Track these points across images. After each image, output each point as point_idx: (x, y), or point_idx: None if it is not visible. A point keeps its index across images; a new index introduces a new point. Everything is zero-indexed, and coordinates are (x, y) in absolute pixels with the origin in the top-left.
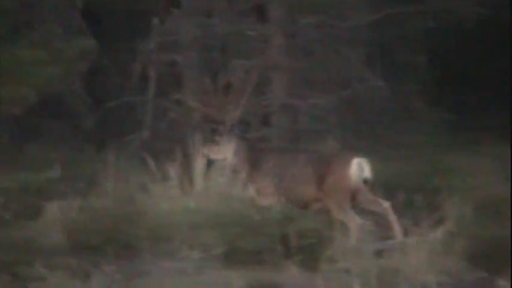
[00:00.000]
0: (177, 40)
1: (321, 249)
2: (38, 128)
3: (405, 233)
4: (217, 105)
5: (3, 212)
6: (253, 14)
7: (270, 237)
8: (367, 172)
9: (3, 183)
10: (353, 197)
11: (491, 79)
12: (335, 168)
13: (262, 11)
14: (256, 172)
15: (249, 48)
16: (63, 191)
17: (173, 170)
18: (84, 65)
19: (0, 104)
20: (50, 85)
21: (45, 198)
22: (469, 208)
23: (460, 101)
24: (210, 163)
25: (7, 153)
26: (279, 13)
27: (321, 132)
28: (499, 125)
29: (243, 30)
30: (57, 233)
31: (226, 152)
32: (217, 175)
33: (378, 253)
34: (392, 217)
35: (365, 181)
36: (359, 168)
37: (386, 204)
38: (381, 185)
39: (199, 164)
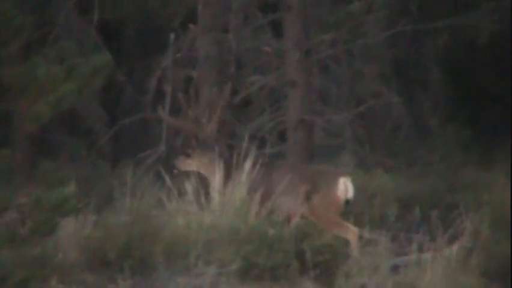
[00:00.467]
0: (193, 56)
1: (337, 264)
2: (53, 145)
3: (421, 249)
4: (191, 119)
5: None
6: (269, 30)
7: (285, 253)
8: (350, 193)
9: (19, 199)
10: None
11: (506, 95)
12: (321, 187)
13: (278, 27)
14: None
15: (264, 64)
16: (78, 207)
17: (189, 186)
18: (99, 82)
19: (15, 121)
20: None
21: (60, 215)
22: (485, 224)
23: (475, 117)
24: (226, 179)
25: (22, 170)
26: (295, 29)
27: (336, 148)
28: None
29: (259, 46)
30: (73, 249)
31: (198, 165)
32: (233, 191)
33: (394, 269)
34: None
35: (347, 202)
36: (345, 187)
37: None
38: (396, 200)
39: (215, 180)
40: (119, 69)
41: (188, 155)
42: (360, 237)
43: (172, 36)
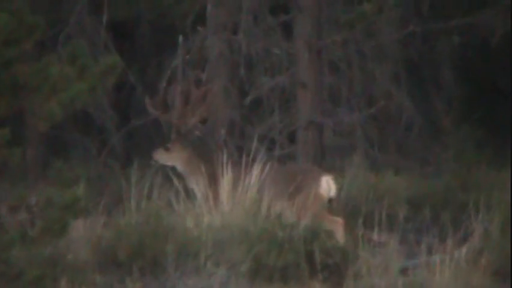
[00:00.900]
0: (203, 57)
1: (346, 266)
2: (64, 144)
3: (430, 251)
4: (176, 114)
5: (29, 228)
6: (279, 31)
7: (295, 254)
8: (333, 191)
9: (29, 199)
10: None
11: None
12: (304, 185)
13: (288, 27)
14: (215, 184)
15: (275, 65)
16: (89, 208)
17: (199, 187)
18: (110, 82)
19: (26, 120)
20: (77, 101)
21: (71, 215)
22: (495, 224)
23: (488, 117)
24: (236, 180)
25: (34, 169)
26: (305, 30)
27: (347, 148)
28: None
29: (269, 47)
30: (83, 249)
31: (176, 160)
32: (243, 192)
33: (404, 270)
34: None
35: (330, 200)
36: (328, 186)
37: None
38: (407, 201)
39: (225, 181)
40: (130, 69)
41: (167, 149)
42: (370, 240)
43: (180, 37)
